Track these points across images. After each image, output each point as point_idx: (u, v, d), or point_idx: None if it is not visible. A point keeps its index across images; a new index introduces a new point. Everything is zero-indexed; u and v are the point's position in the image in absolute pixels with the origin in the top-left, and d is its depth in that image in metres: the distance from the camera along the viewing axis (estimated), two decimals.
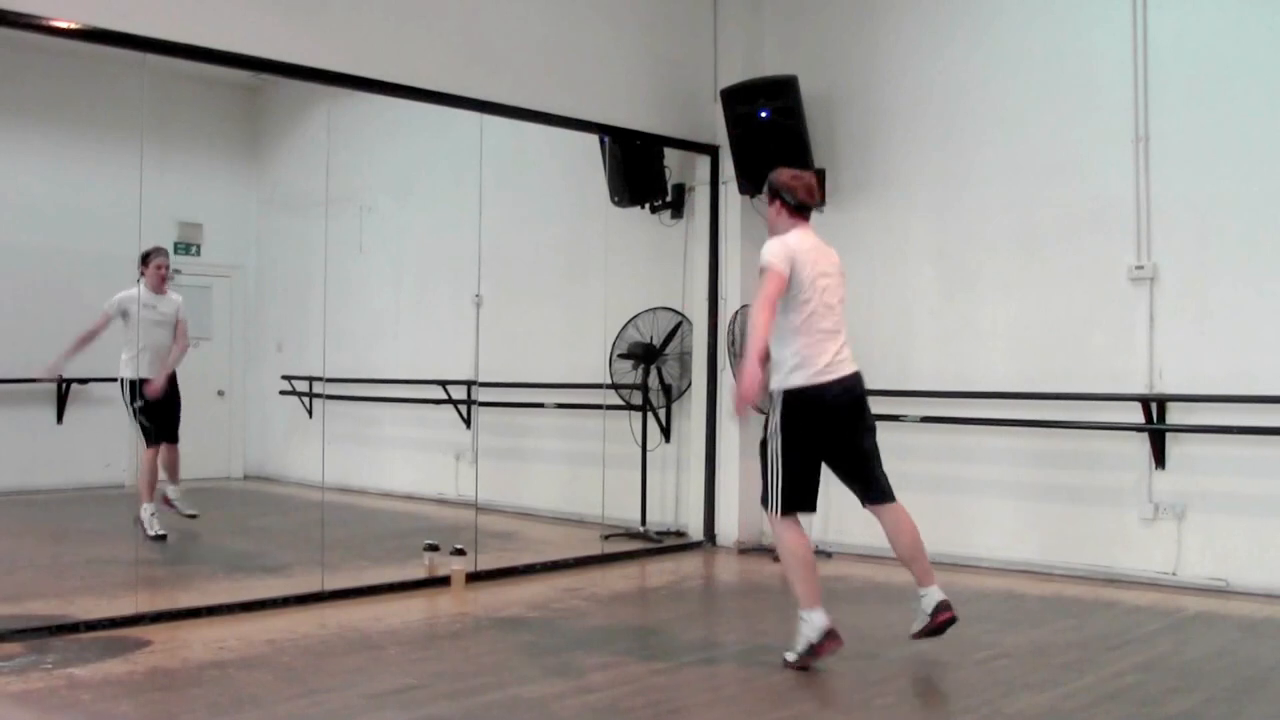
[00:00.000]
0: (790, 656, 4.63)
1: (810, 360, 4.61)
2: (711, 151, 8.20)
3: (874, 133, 7.68)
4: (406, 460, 10.01)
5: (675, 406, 8.47)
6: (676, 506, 8.44)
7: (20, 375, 8.39)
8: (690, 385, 8.33)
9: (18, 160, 8.68)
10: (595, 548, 7.64)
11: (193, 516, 7.58)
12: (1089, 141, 6.75)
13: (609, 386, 8.28)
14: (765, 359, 4.68)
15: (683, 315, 8.35)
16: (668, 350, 8.29)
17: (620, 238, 8.51)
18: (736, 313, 7.77)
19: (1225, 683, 4.46)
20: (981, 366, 7.13)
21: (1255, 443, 6.10)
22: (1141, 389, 6.46)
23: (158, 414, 7.34)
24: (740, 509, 7.92)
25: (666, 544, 8.00)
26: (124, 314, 7.22)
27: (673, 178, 8.45)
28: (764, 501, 4.74)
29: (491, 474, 7.92)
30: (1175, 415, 6.38)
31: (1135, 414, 6.44)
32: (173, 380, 7.42)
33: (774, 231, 4.82)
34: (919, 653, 4.91)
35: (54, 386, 8.59)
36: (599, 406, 8.24)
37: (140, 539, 6.98)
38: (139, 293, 7.22)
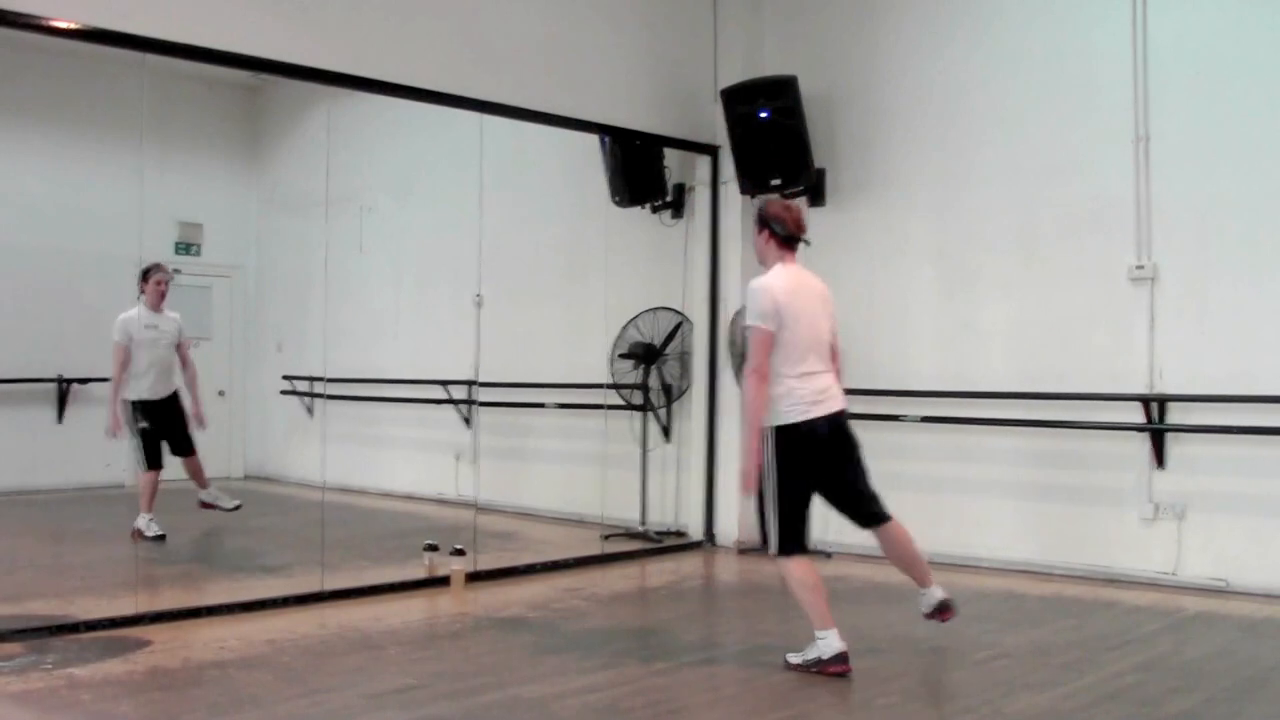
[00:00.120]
0: (794, 659, 4.63)
1: (800, 397, 4.66)
2: (711, 151, 8.20)
3: (874, 133, 7.68)
4: (407, 460, 10.01)
5: (675, 406, 8.47)
6: (676, 506, 8.44)
7: (20, 375, 8.41)
8: (690, 385, 8.33)
9: (18, 160, 8.68)
10: (595, 548, 7.64)
11: (237, 508, 7.58)
12: (1089, 141, 6.75)
13: (609, 386, 8.28)
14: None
15: (683, 315, 8.35)
16: (668, 350, 8.30)
17: (620, 238, 8.51)
18: (737, 313, 7.77)
19: (1225, 683, 4.46)
20: (981, 366, 7.13)
21: (1255, 443, 6.09)
22: (1141, 389, 6.46)
23: (165, 431, 7.32)
24: (740, 509, 7.91)
25: (666, 544, 8.00)
26: (130, 336, 7.20)
27: (673, 178, 8.45)
28: (763, 541, 4.74)
29: (492, 474, 7.93)
30: (1175, 415, 6.38)
31: (1135, 414, 6.44)
32: (174, 396, 7.41)
33: (761, 259, 4.92)
34: (919, 653, 4.91)
35: (54, 386, 8.60)
36: (599, 406, 8.24)
37: (139, 541, 6.97)
38: (139, 314, 7.22)
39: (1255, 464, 6.12)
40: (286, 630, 5.30)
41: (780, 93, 7.55)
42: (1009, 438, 6.97)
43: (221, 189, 9.97)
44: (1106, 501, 6.60)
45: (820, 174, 7.75)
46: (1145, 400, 6.41)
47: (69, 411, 8.62)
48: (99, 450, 8.43)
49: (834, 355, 4.84)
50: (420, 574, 6.56)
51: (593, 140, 8.31)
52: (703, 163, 8.28)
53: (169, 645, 4.99)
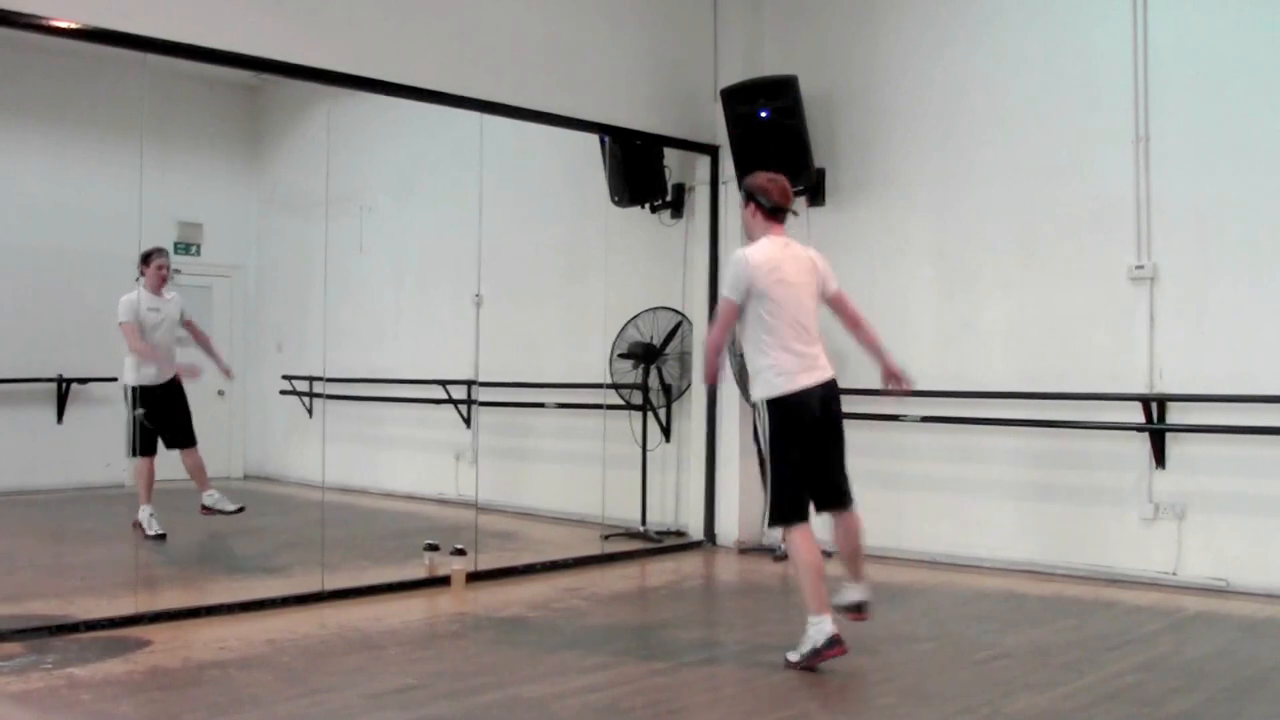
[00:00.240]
0: (793, 657, 4.64)
1: (788, 368, 4.69)
2: (711, 151, 8.20)
3: (874, 133, 7.68)
4: (407, 460, 10.01)
5: (675, 406, 8.47)
6: (676, 506, 8.44)
7: (20, 375, 8.40)
8: (690, 385, 8.33)
9: (18, 160, 8.68)
10: (595, 548, 7.64)
11: (239, 511, 7.45)
12: (1089, 141, 6.75)
13: (609, 386, 8.28)
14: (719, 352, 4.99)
15: (683, 315, 8.35)
16: (668, 350, 8.30)
17: (620, 238, 8.51)
18: None
19: (1225, 683, 4.46)
20: (981, 366, 7.13)
21: (1255, 443, 6.10)
22: (1141, 389, 6.46)
23: (164, 419, 7.19)
24: (740, 509, 7.92)
25: (666, 544, 7.99)
26: (136, 315, 7.12)
27: (673, 178, 8.46)
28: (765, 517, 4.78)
29: (492, 474, 7.92)
30: (1175, 415, 6.38)
31: (1135, 414, 6.44)
32: (176, 381, 7.28)
33: (749, 233, 4.94)
34: (919, 653, 4.91)
35: (54, 386, 8.59)
36: (599, 406, 8.24)
37: (139, 539, 6.97)
38: (140, 296, 7.18)
39: (1255, 464, 6.12)
40: (286, 630, 5.30)
41: (780, 93, 7.55)
42: (1009, 437, 6.97)
43: (222, 189, 9.97)
44: (1107, 501, 6.61)
45: (820, 174, 7.75)
46: (1145, 400, 6.40)
47: (69, 411, 8.62)
48: (99, 450, 8.45)
49: (846, 309, 4.94)
50: (420, 574, 6.57)
51: (593, 140, 8.31)
52: (702, 162, 8.28)
53: (169, 645, 4.99)
